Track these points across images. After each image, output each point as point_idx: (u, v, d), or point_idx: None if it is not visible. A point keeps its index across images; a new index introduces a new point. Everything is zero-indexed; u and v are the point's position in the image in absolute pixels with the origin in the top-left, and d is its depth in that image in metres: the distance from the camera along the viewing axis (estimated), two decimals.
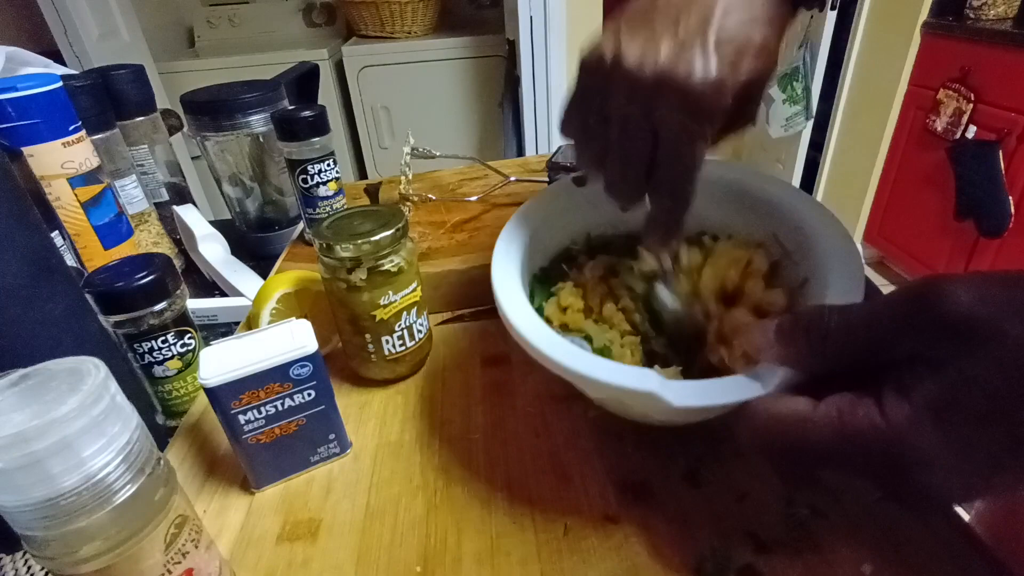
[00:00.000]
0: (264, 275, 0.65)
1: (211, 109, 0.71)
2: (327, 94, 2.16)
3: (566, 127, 0.34)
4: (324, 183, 0.59)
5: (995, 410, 0.19)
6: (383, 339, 0.42)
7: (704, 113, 0.29)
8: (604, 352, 0.36)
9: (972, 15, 1.78)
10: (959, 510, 0.31)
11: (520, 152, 2.01)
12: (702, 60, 0.28)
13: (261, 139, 0.75)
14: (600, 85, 0.31)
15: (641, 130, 0.31)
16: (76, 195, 0.56)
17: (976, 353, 0.20)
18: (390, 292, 0.40)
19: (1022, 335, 0.19)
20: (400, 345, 0.42)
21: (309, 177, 0.58)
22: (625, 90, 0.30)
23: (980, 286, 0.20)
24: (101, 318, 0.40)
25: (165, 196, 0.80)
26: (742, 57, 0.29)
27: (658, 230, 0.35)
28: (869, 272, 2.25)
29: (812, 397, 0.24)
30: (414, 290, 0.42)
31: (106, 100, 0.66)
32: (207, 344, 0.35)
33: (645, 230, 0.36)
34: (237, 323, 0.60)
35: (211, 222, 0.73)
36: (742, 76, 0.30)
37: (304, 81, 0.89)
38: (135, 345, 0.41)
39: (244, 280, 0.66)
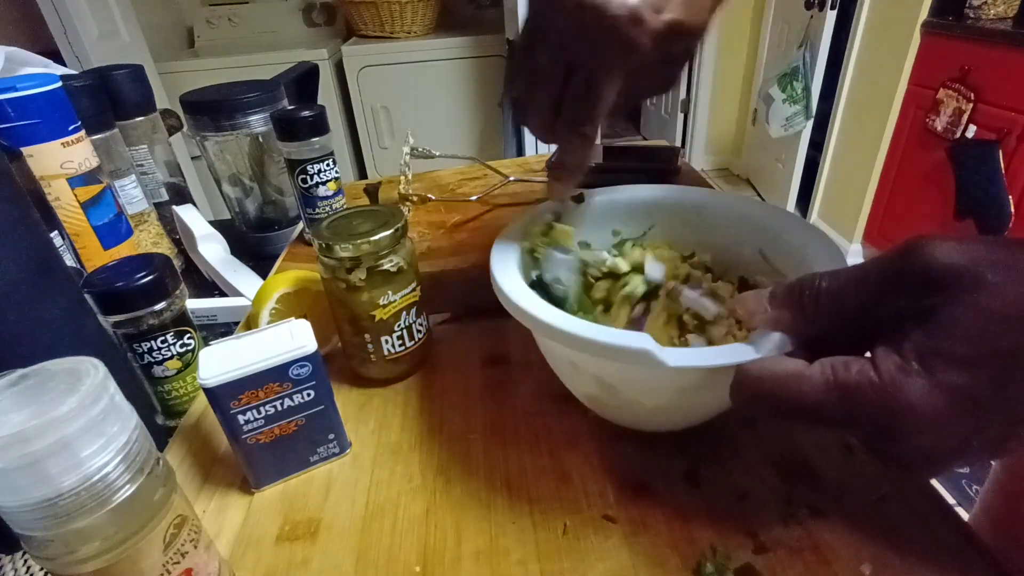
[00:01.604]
0: (264, 275, 0.65)
1: (211, 109, 0.71)
2: (327, 94, 2.16)
3: (512, 52, 0.34)
4: (324, 183, 0.59)
5: (980, 354, 0.20)
6: (382, 339, 0.42)
7: (615, 45, 0.29)
8: None
9: (972, 14, 1.78)
10: (959, 511, 0.31)
11: (520, 152, 2.01)
12: None
13: (261, 139, 0.75)
14: (536, 6, 0.31)
15: (554, 51, 0.30)
16: (75, 195, 0.56)
17: (960, 301, 0.20)
18: (389, 292, 0.40)
19: (1002, 284, 0.20)
20: (399, 345, 0.42)
21: (309, 177, 0.58)
22: (549, 9, 0.30)
23: (963, 243, 0.21)
24: (100, 318, 0.40)
25: (165, 196, 0.80)
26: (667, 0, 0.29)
27: (558, 169, 0.35)
28: None
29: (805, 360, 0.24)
30: (413, 290, 0.42)
31: (105, 100, 0.66)
32: (206, 344, 0.35)
33: (549, 167, 0.35)
34: (236, 323, 0.60)
35: (211, 222, 0.73)
36: (664, 17, 0.28)
37: (304, 81, 0.89)
38: (134, 345, 0.41)
39: (244, 280, 0.66)
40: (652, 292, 0.38)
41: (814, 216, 2.49)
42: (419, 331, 0.44)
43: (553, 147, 0.36)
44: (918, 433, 0.21)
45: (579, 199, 0.42)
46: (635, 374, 0.30)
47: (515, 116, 0.34)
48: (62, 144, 0.54)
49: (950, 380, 0.20)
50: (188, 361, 0.43)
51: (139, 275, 0.39)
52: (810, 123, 2.35)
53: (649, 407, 0.34)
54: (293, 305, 0.44)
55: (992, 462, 0.45)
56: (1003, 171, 1.63)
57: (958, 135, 1.75)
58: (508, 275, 0.34)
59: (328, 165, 0.59)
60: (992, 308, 0.20)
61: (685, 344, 0.35)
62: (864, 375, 0.22)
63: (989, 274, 0.20)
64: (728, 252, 0.41)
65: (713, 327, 0.35)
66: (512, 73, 0.36)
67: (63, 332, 0.39)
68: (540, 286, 0.41)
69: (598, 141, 0.41)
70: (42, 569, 0.31)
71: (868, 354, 0.23)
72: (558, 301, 0.37)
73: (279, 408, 0.34)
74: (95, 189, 0.57)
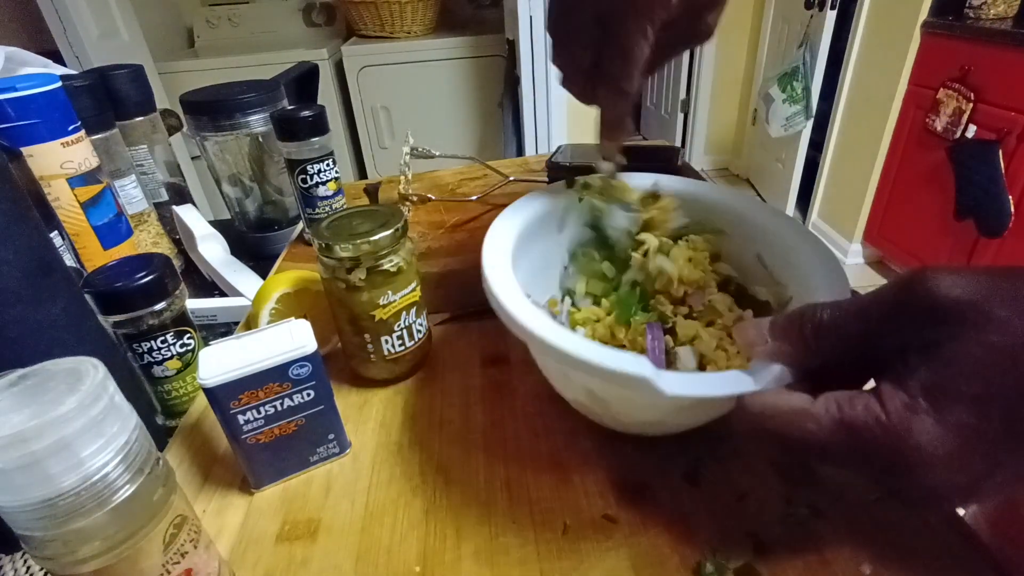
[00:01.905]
0: (263, 275, 0.65)
1: (210, 109, 0.71)
2: (327, 94, 2.16)
3: (548, 25, 0.35)
4: (323, 183, 0.59)
5: (988, 392, 0.19)
6: (382, 339, 0.42)
7: (645, 5, 0.30)
8: None
9: (972, 14, 1.78)
10: (959, 511, 0.31)
11: (520, 152, 2.01)
12: None
13: (260, 139, 0.75)
14: None
15: (587, 18, 0.32)
16: (75, 195, 0.56)
17: (966, 337, 0.20)
18: (389, 292, 0.40)
19: (1009, 319, 0.19)
20: (399, 345, 0.42)
21: (308, 177, 0.58)
22: None
23: (969, 275, 0.21)
24: (100, 318, 0.40)
25: (164, 196, 0.80)
26: None
27: (605, 127, 0.36)
28: (868, 272, 2.25)
29: (808, 395, 0.24)
30: (413, 290, 0.42)
31: (105, 100, 0.66)
32: (206, 344, 0.35)
33: (598, 131, 0.37)
34: (236, 323, 0.60)
35: (210, 222, 0.73)
36: None
37: (304, 81, 0.89)
38: (134, 345, 0.41)
39: (243, 280, 0.65)
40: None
41: (814, 216, 2.49)
42: (419, 331, 0.44)
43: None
44: (927, 473, 0.20)
45: (571, 184, 0.43)
46: (628, 394, 0.29)
47: (560, 81, 0.36)
48: (62, 144, 0.54)
49: (959, 419, 0.20)
50: (188, 361, 0.43)
51: (139, 275, 0.39)
52: (810, 123, 2.34)
53: (640, 421, 0.34)
54: (293, 305, 0.44)
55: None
56: (1003, 171, 1.63)
57: (958, 135, 1.75)
58: (505, 288, 0.33)
59: (328, 165, 0.59)
60: (1000, 344, 0.19)
61: (675, 357, 0.35)
62: (871, 413, 0.21)
63: (996, 308, 0.19)
64: (728, 255, 0.41)
65: (702, 341, 0.35)
66: (553, 45, 0.38)
67: (63, 332, 0.39)
68: (595, 229, 0.42)
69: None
70: (42, 569, 0.31)
71: (871, 384, 0.23)
72: (610, 246, 0.41)
73: (279, 408, 0.34)
74: (95, 189, 0.57)
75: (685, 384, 0.26)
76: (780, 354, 0.26)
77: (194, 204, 0.77)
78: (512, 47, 1.97)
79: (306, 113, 0.56)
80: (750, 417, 0.24)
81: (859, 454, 0.22)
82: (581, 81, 0.34)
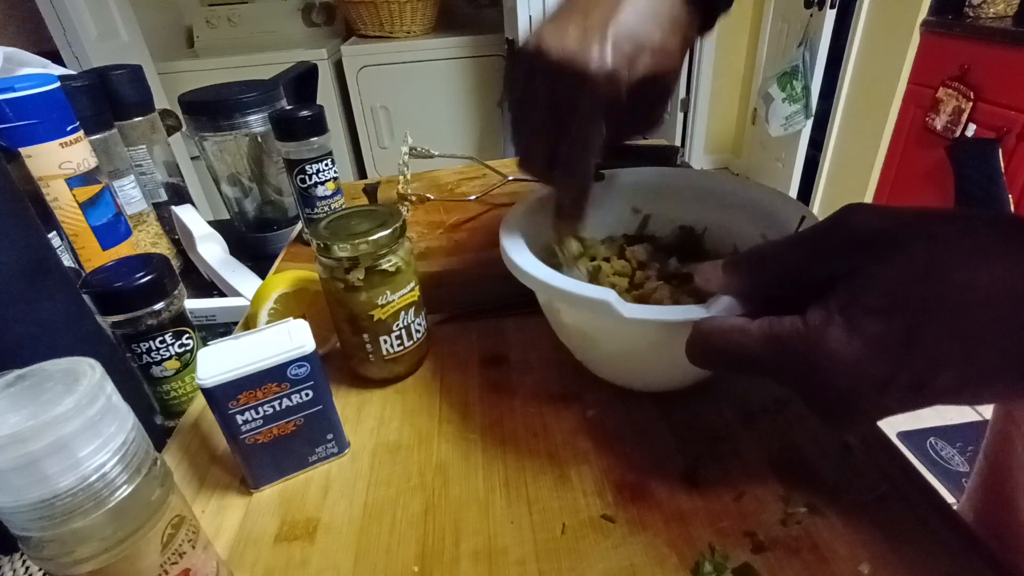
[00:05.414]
0: (262, 275, 0.65)
1: (209, 109, 0.71)
2: (326, 94, 2.16)
3: (509, 107, 0.37)
4: (322, 183, 0.59)
5: (893, 306, 0.22)
6: (381, 339, 0.42)
7: (597, 99, 0.32)
8: None
9: (971, 13, 1.78)
10: (952, 502, 0.31)
11: None
12: (599, 50, 0.31)
13: (259, 139, 0.75)
14: (526, 69, 0.34)
15: (545, 109, 0.34)
16: (74, 195, 0.56)
17: (878, 260, 0.23)
18: (388, 292, 0.40)
19: (915, 246, 0.22)
20: (398, 345, 0.42)
21: (307, 177, 0.58)
22: (537, 72, 0.33)
23: (886, 211, 0.23)
24: (99, 318, 0.40)
25: (163, 196, 0.79)
26: (639, 54, 0.32)
27: (560, 211, 0.38)
28: None
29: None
30: (412, 290, 0.42)
31: (104, 100, 0.65)
32: (205, 344, 0.35)
33: (553, 212, 0.38)
34: (235, 323, 0.60)
35: (210, 222, 0.73)
36: (638, 71, 0.33)
37: (303, 81, 0.89)
38: (133, 345, 0.41)
39: (242, 280, 0.65)
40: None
41: None
42: (418, 331, 0.44)
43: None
44: (837, 376, 0.23)
45: (599, 178, 0.45)
46: (607, 325, 0.33)
47: (517, 164, 0.38)
48: (60, 144, 0.54)
49: (866, 328, 0.22)
50: (187, 361, 0.43)
51: (137, 275, 0.39)
52: (810, 122, 2.34)
53: (629, 360, 0.37)
54: (291, 305, 0.44)
55: (977, 446, 0.46)
56: (1003, 170, 1.63)
57: (958, 134, 1.75)
58: (514, 244, 0.36)
59: (327, 165, 0.59)
60: (905, 266, 0.22)
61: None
62: (794, 327, 0.24)
63: (905, 236, 0.22)
64: (732, 235, 0.43)
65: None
66: (512, 128, 0.39)
67: (61, 332, 0.39)
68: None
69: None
70: (40, 570, 0.31)
71: None
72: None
73: (277, 408, 0.34)
74: (93, 189, 0.57)
75: (642, 310, 0.30)
76: (730, 286, 0.29)
77: (193, 204, 0.77)
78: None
79: (305, 113, 0.56)
80: (696, 335, 0.28)
81: (783, 364, 0.25)
82: (538, 169, 0.37)
